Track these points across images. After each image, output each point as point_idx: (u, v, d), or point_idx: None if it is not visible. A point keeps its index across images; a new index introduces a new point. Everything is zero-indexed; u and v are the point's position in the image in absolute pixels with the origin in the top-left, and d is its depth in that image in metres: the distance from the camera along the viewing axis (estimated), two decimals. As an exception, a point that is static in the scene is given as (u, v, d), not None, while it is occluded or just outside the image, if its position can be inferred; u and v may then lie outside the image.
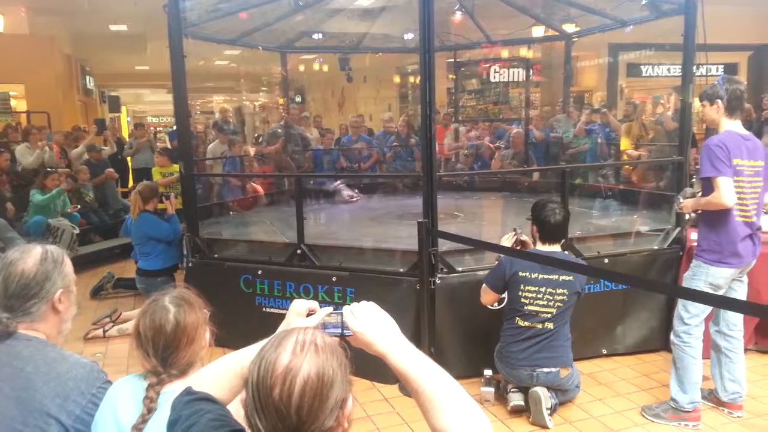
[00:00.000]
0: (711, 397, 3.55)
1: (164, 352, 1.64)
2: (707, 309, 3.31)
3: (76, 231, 6.91)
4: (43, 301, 1.72)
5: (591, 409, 3.60)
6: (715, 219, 3.22)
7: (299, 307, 1.33)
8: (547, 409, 3.38)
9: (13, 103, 12.94)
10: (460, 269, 3.96)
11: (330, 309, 1.30)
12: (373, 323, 1.24)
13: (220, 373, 1.28)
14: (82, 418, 1.65)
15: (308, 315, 1.31)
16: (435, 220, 3.93)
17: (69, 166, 8.47)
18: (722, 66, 11.74)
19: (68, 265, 1.80)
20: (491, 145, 8.58)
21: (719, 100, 3.21)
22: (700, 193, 3.39)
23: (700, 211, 3.39)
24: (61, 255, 1.80)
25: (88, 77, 16.20)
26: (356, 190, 5.98)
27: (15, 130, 9.34)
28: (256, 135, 10.59)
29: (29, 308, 1.70)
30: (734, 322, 3.40)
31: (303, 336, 1.10)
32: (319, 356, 1.06)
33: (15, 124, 10.77)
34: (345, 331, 1.24)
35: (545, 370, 3.43)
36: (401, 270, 4.06)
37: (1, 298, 1.69)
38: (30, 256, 1.73)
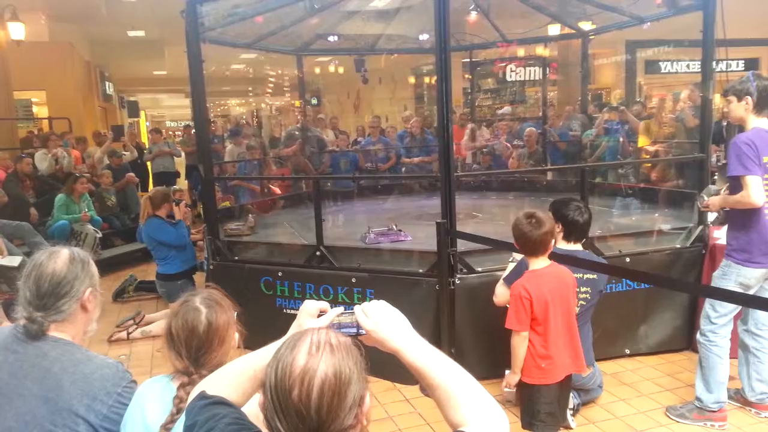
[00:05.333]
0: (737, 396, 3.50)
1: (197, 353, 1.66)
2: (735, 309, 3.26)
3: (99, 235, 7.02)
4: (74, 299, 1.75)
5: (614, 409, 3.56)
6: (744, 218, 3.15)
7: (310, 307, 1.33)
8: (570, 409, 3.35)
9: (35, 109, 13.16)
10: (479, 269, 3.94)
11: (341, 309, 1.31)
12: (384, 321, 1.24)
13: (232, 376, 1.29)
14: (109, 417, 1.67)
15: (319, 315, 1.31)
16: (453, 221, 3.92)
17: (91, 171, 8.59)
18: (743, 61, 11.57)
19: (94, 266, 1.84)
20: (508, 145, 8.54)
21: (749, 97, 3.12)
22: (723, 191, 3.34)
23: (727, 209, 3.32)
24: (87, 256, 1.84)
25: (107, 83, 16.44)
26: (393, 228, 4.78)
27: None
28: (270, 137, 10.64)
29: (61, 306, 1.73)
30: (763, 321, 3.33)
31: (317, 336, 1.10)
32: (335, 355, 1.07)
33: (37, 131, 10.95)
34: (360, 330, 1.24)
35: (567, 369, 3.40)
36: (420, 271, 4.06)
37: (34, 298, 1.72)
38: (59, 257, 1.77)
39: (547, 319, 2.78)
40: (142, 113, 23.13)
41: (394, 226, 4.85)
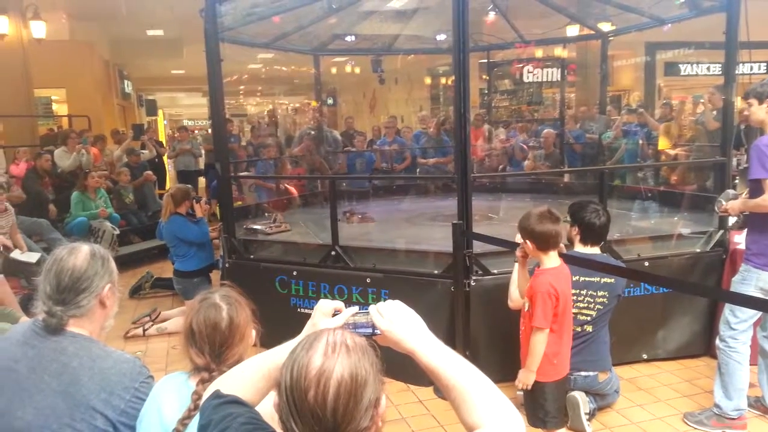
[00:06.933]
0: (758, 404, 3.44)
1: (219, 349, 1.68)
2: (756, 314, 3.20)
3: (116, 232, 7.08)
4: (93, 294, 1.76)
5: (631, 414, 3.52)
6: (764, 222, 3.10)
7: (325, 307, 1.31)
8: (586, 414, 3.32)
9: (54, 107, 13.32)
10: (495, 271, 3.91)
11: (356, 309, 1.30)
12: (400, 321, 1.23)
13: (247, 376, 1.28)
14: (126, 412, 1.68)
15: (334, 315, 1.30)
16: (470, 222, 3.89)
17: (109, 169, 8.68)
18: (765, 64, 11.40)
19: (113, 263, 1.86)
20: (525, 146, 8.49)
21: None
22: (743, 195, 3.28)
23: (747, 213, 3.27)
24: (107, 253, 1.86)
25: (125, 81, 16.58)
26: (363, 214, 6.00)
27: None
28: (286, 137, 10.66)
29: (80, 301, 1.75)
30: (783, 328, 3.28)
31: (333, 337, 1.09)
32: (351, 357, 1.06)
33: (57, 128, 11.05)
34: (376, 331, 1.23)
35: (583, 373, 3.37)
36: (435, 272, 4.03)
37: (54, 292, 1.74)
38: (80, 253, 1.78)
39: (565, 315, 2.85)
40: (159, 112, 23.31)
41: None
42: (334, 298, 1.36)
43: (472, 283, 3.81)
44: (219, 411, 1.18)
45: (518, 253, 3.00)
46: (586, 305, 3.34)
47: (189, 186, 5.84)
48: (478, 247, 3.89)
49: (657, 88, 12.52)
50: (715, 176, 4.90)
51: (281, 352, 1.20)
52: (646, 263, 4.10)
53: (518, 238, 2.98)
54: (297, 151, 8.39)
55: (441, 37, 7.89)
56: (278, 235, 5.32)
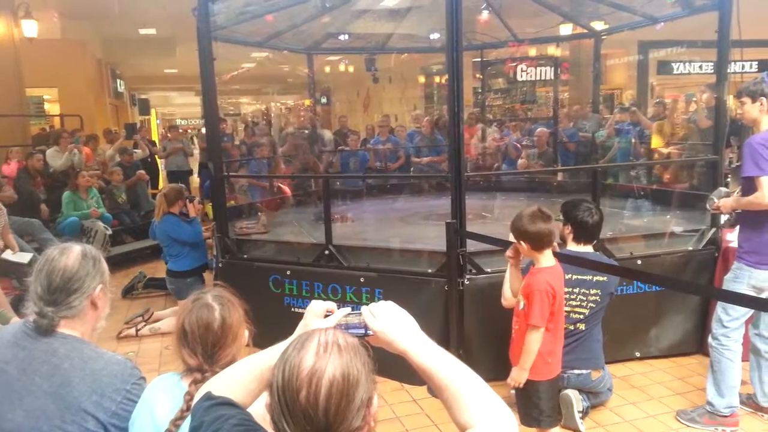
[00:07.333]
0: (749, 401, 3.46)
1: (212, 350, 1.67)
2: (748, 312, 3.22)
3: (109, 232, 7.05)
4: (84, 295, 1.75)
5: (624, 412, 3.53)
6: (757, 219, 3.12)
7: (317, 308, 1.32)
8: (579, 412, 3.33)
9: (46, 106, 13.25)
10: (488, 270, 3.91)
11: (348, 309, 1.30)
12: (392, 322, 1.23)
13: (238, 377, 1.28)
14: (118, 414, 1.67)
15: (326, 316, 1.31)
16: (463, 221, 3.90)
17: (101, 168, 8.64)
18: (756, 62, 11.46)
19: (105, 263, 1.84)
20: (519, 145, 8.51)
21: (764, 98, 3.09)
22: (736, 192, 3.30)
23: (739, 211, 3.29)
24: (98, 253, 1.84)
25: (118, 80, 16.52)
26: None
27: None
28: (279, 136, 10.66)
29: (71, 302, 1.73)
30: (775, 325, 3.30)
31: (325, 337, 1.09)
32: (343, 356, 1.06)
33: (49, 128, 10.99)
34: (368, 331, 1.24)
35: (576, 371, 3.38)
36: (429, 271, 4.04)
37: (45, 293, 1.72)
38: (71, 253, 1.77)
39: (559, 314, 2.87)
40: (152, 111, 23.25)
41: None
42: (327, 298, 1.36)
43: (466, 282, 3.81)
44: (211, 413, 1.18)
45: (508, 253, 3.00)
46: (578, 303, 3.35)
47: (182, 185, 5.82)
48: (471, 245, 3.88)
49: (650, 86, 12.56)
50: (707, 174, 4.91)
51: (273, 354, 1.20)
52: (639, 261, 4.12)
53: (511, 239, 2.98)
54: (284, 149, 8.38)
55: (434, 35, 7.90)
56: (273, 235, 5.32)
